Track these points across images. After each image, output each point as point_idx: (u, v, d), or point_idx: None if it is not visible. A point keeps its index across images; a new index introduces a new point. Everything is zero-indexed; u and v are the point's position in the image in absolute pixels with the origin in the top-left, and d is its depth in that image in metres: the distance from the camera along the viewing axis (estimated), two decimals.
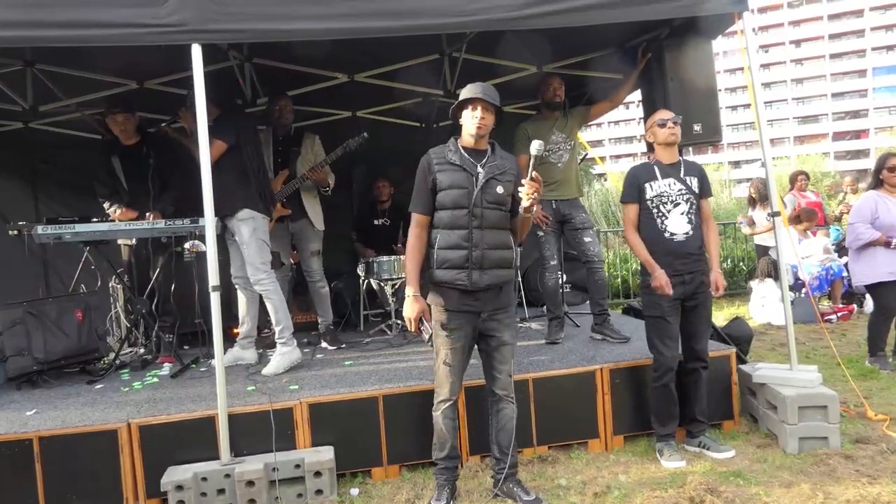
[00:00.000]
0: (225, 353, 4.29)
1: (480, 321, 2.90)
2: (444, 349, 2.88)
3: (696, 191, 3.38)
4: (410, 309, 2.87)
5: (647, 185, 3.39)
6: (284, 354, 4.06)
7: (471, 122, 2.83)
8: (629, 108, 55.17)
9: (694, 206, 3.36)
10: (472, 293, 2.85)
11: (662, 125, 3.40)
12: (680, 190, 3.35)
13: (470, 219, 2.82)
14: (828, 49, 64.87)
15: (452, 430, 2.97)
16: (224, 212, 4.04)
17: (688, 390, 3.47)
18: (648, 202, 3.37)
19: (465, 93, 2.87)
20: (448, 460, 2.99)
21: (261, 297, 4.21)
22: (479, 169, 2.85)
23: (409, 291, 2.89)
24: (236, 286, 4.38)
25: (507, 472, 2.99)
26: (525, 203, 2.75)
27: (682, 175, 3.39)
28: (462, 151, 2.89)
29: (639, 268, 3.74)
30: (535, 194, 2.73)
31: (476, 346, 3.02)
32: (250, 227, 4.07)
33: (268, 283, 4.11)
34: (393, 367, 3.92)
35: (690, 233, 3.33)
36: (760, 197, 7.66)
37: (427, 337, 2.90)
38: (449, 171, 2.85)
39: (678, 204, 3.34)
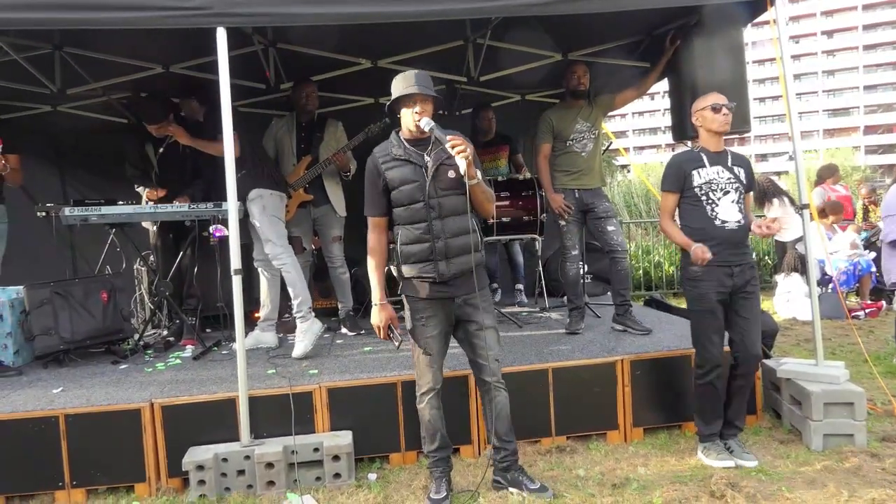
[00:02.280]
0: (245, 337, 4.38)
1: (456, 307, 2.86)
2: (422, 339, 2.86)
3: (744, 181, 3.23)
4: (378, 317, 2.87)
5: (694, 172, 3.22)
6: (306, 331, 4.07)
7: (410, 118, 2.76)
8: (654, 98, 54.60)
9: (742, 196, 3.20)
10: (444, 283, 2.82)
11: (717, 110, 3.22)
12: (729, 178, 3.19)
13: (427, 210, 2.77)
14: (861, 40, 63.34)
15: (440, 419, 2.94)
16: (241, 193, 4.05)
17: (732, 392, 3.30)
18: (696, 189, 3.20)
19: (400, 87, 2.76)
20: (440, 451, 2.95)
21: (282, 279, 4.24)
22: (427, 158, 2.79)
23: (375, 299, 2.87)
24: (258, 269, 4.42)
25: (509, 459, 2.96)
26: (461, 163, 2.64)
27: (729, 164, 3.24)
28: (406, 144, 2.83)
29: (661, 261, 3.68)
30: (463, 148, 2.62)
31: (455, 338, 2.98)
32: (259, 206, 4.16)
33: (285, 258, 4.17)
34: (411, 354, 3.91)
35: (742, 222, 3.17)
36: (767, 195, 7.44)
37: (397, 344, 2.90)
38: (397, 167, 2.80)
39: (728, 192, 3.18)
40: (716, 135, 3.27)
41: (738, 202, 3.19)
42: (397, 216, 2.85)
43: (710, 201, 3.19)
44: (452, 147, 2.65)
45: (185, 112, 4.70)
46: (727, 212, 3.17)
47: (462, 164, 2.65)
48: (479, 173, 2.76)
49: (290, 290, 4.20)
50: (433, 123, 2.73)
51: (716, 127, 3.24)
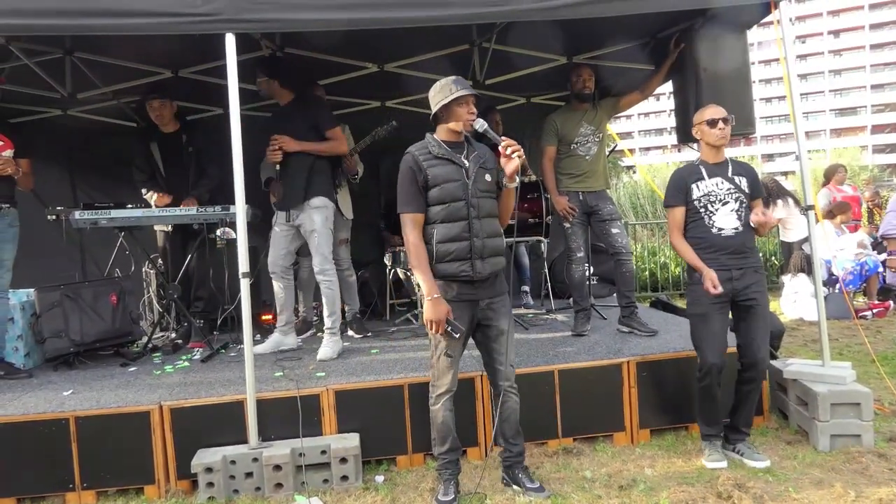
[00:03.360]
0: (265, 340, 4.37)
1: (479, 310, 2.90)
2: (445, 340, 2.85)
3: (746, 190, 3.26)
4: (434, 311, 2.75)
5: (693, 185, 3.28)
6: (334, 344, 4.14)
7: (467, 117, 2.84)
8: (659, 99, 54.44)
9: (744, 205, 3.24)
10: (472, 282, 2.85)
11: (712, 124, 3.27)
12: (729, 189, 3.24)
13: (468, 209, 2.83)
14: (868, 39, 63.03)
15: (453, 421, 2.96)
16: (294, 202, 4.16)
17: (740, 397, 3.30)
18: (696, 202, 3.27)
19: (454, 89, 2.81)
20: (451, 453, 2.97)
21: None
22: (466, 160, 2.87)
23: (431, 294, 2.77)
24: (272, 275, 4.38)
25: (513, 459, 3.01)
26: (514, 162, 2.76)
27: (729, 174, 3.27)
28: (444, 145, 2.89)
29: (667, 262, 3.69)
30: (516, 148, 2.74)
31: (473, 340, 3.00)
32: (323, 216, 4.17)
33: (332, 274, 4.22)
34: (418, 356, 3.94)
35: (740, 229, 3.20)
36: (772, 195, 7.40)
37: (458, 336, 2.81)
38: (438, 165, 2.84)
39: (727, 202, 3.23)
40: (714, 147, 3.31)
41: (737, 211, 3.23)
42: (434, 214, 2.86)
43: (708, 212, 3.26)
44: (506, 147, 2.74)
45: (267, 93, 4.31)
46: (724, 220, 3.23)
47: (514, 164, 2.75)
48: (517, 179, 2.83)
49: (327, 306, 4.21)
50: (486, 124, 2.83)
51: (713, 141, 3.29)
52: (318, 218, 4.15)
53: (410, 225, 2.85)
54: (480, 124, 2.84)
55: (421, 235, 2.86)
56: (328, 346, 4.09)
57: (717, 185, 3.26)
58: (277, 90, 4.21)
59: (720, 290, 3.10)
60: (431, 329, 2.79)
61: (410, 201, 2.85)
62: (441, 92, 2.85)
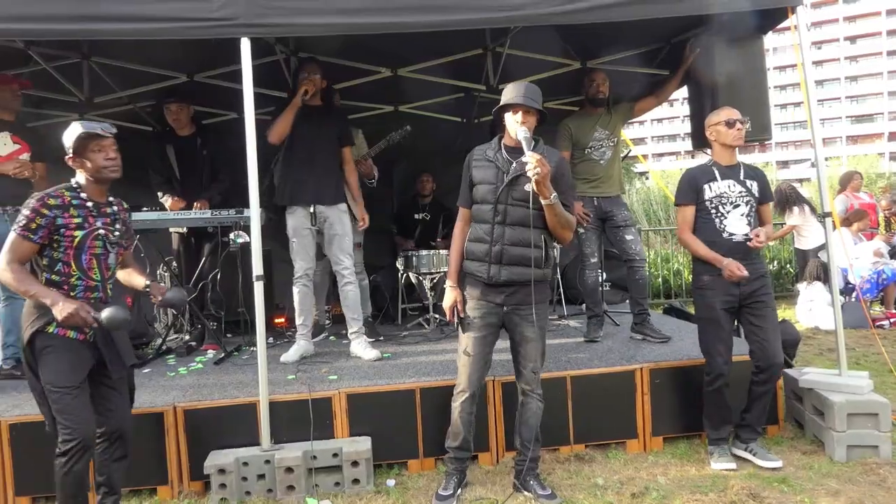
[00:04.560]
0: (293, 347, 4.24)
1: (504, 314, 2.94)
2: (466, 338, 2.94)
3: (756, 195, 3.26)
4: (447, 298, 2.99)
5: (705, 186, 3.28)
6: (368, 344, 4.21)
7: (512, 125, 2.85)
8: (673, 105, 54.25)
9: (753, 209, 3.24)
10: (495, 286, 2.89)
11: (731, 125, 3.27)
12: (740, 192, 3.24)
13: (493, 214, 2.87)
14: (885, 46, 62.42)
15: (468, 423, 3.00)
16: (324, 199, 4.17)
17: (753, 397, 3.30)
18: (707, 203, 3.26)
19: (507, 96, 2.87)
20: (459, 451, 3.03)
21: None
22: (512, 166, 2.87)
23: (449, 282, 3.00)
24: (302, 279, 4.24)
25: (527, 465, 3.00)
26: (530, 184, 2.73)
27: (741, 177, 3.27)
28: (503, 149, 2.93)
29: (681, 269, 3.66)
30: (538, 167, 2.65)
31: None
32: (349, 219, 4.26)
33: (355, 276, 4.30)
34: (430, 361, 3.94)
35: (749, 234, 3.20)
36: (789, 202, 7.33)
37: (465, 330, 2.95)
38: (483, 167, 2.93)
39: (738, 206, 3.23)
40: (729, 148, 3.32)
41: (747, 215, 3.23)
42: (473, 213, 2.97)
43: (719, 214, 3.25)
44: (528, 164, 2.71)
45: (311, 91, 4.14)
46: (735, 224, 3.22)
47: (534, 182, 2.71)
48: (554, 197, 2.76)
49: (355, 308, 4.24)
50: (528, 135, 2.79)
51: (729, 141, 3.29)
52: (347, 221, 4.22)
53: (459, 217, 3.05)
54: (522, 133, 2.78)
55: (464, 229, 3.01)
56: (369, 347, 4.16)
57: (729, 187, 3.26)
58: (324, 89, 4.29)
59: (745, 273, 3.08)
60: (448, 315, 2.99)
61: (461, 195, 3.03)
62: (505, 94, 2.90)
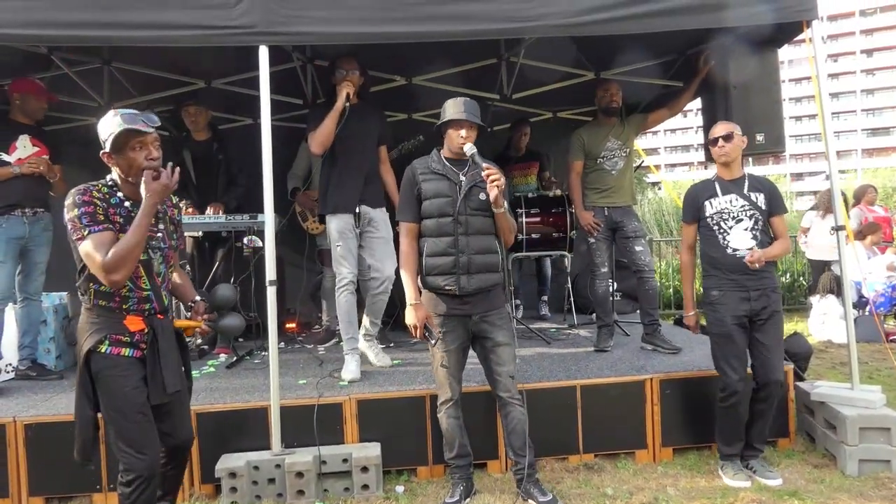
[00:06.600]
0: (350, 362, 3.88)
1: (472, 324, 2.98)
2: (440, 353, 2.98)
3: (763, 207, 3.22)
4: (413, 316, 2.97)
5: (706, 202, 3.28)
6: (380, 349, 4.21)
7: (456, 140, 2.96)
8: (686, 116, 53.98)
9: (760, 223, 3.20)
10: (461, 297, 2.94)
11: (714, 143, 3.30)
12: (743, 206, 3.21)
13: (455, 226, 2.93)
14: None
15: (458, 428, 3.03)
16: (371, 201, 4.03)
17: (754, 414, 3.27)
18: (708, 219, 3.26)
19: (450, 112, 3.00)
20: (459, 459, 3.05)
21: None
22: (462, 177, 2.96)
23: (410, 300, 2.99)
24: (349, 286, 3.94)
25: (523, 472, 2.99)
26: (492, 192, 2.84)
27: (745, 191, 3.24)
28: (445, 161, 3.02)
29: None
30: (496, 178, 2.81)
31: (475, 352, 3.09)
32: (389, 224, 4.11)
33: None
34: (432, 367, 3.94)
35: (755, 248, 3.16)
36: (825, 209, 7.33)
37: (433, 342, 2.98)
38: (433, 180, 2.99)
39: (740, 220, 3.21)
40: (724, 164, 3.30)
41: (752, 229, 3.20)
42: (425, 228, 3.00)
43: (721, 230, 3.25)
44: (487, 176, 2.83)
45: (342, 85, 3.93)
46: (738, 240, 3.21)
47: (493, 192, 2.84)
48: (505, 204, 2.93)
49: (378, 316, 4.19)
50: (475, 150, 2.92)
51: (714, 158, 3.32)
52: (390, 225, 4.08)
53: (404, 233, 3.06)
54: (469, 148, 2.92)
55: (413, 244, 3.04)
56: (381, 353, 4.16)
57: (730, 202, 3.25)
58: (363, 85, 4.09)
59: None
60: (413, 334, 2.99)
61: (405, 210, 3.05)
62: (444, 110, 3.02)
